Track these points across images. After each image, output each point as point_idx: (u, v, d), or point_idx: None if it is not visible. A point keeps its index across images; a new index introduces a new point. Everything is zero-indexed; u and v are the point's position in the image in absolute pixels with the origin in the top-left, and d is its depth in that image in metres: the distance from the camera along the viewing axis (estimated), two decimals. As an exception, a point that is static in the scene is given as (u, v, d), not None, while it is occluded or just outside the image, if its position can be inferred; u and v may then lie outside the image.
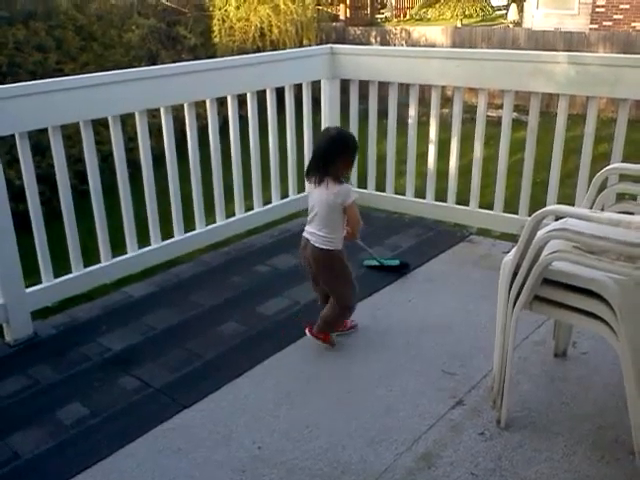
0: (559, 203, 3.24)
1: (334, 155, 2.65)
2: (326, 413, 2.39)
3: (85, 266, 3.24)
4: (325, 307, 2.81)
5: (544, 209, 2.15)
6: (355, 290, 2.80)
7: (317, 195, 2.67)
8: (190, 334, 2.96)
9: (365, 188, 4.32)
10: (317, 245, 2.69)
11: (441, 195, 4.01)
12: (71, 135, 4.24)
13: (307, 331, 2.82)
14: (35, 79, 3.27)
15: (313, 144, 4.23)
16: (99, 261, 3.30)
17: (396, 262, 3.53)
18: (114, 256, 3.35)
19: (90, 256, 3.30)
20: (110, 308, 3.24)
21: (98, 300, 3.33)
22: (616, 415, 2.29)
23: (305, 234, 2.75)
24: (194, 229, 3.72)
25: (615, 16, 16.73)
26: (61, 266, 3.19)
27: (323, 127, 4.34)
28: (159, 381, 2.60)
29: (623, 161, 3.17)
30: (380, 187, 4.26)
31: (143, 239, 3.48)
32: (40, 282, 3.08)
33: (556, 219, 2.38)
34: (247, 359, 2.74)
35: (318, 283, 2.83)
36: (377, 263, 3.51)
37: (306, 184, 2.78)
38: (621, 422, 2.20)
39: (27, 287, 2.98)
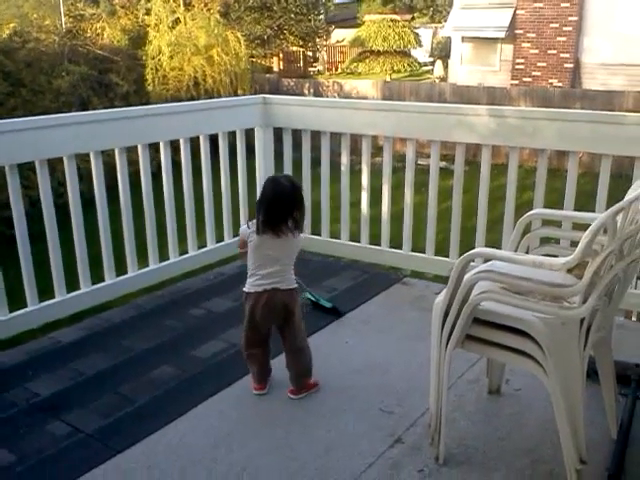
0: (486, 247, 3.38)
1: (295, 207, 2.66)
2: (265, 455, 2.37)
3: (11, 311, 3.13)
4: (290, 366, 2.76)
5: (470, 252, 2.23)
6: None
7: (283, 245, 2.64)
8: (122, 379, 2.88)
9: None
10: (287, 288, 2.67)
11: (375, 239, 4.10)
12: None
13: (292, 395, 2.74)
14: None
15: (249, 190, 4.28)
16: (25, 305, 3.20)
17: (329, 305, 3.56)
18: (41, 301, 3.25)
19: (18, 301, 3.19)
20: (37, 353, 3.12)
21: (24, 345, 3.21)
22: (550, 449, 2.36)
23: (266, 286, 2.65)
24: (126, 273, 3.67)
25: (534, 73, 17.84)
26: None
27: (258, 174, 4.41)
28: (90, 426, 2.51)
29: (546, 207, 3.35)
30: (316, 231, 4.33)
31: (73, 283, 3.39)
32: (-37, 327, 2.96)
33: (485, 261, 2.47)
34: (182, 403, 2.68)
35: (264, 343, 2.77)
36: (313, 299, 3.56)
37: (255, 237, 2.65)
38: (555, 456, 2.27)
39: (-51, 333, 2.86)
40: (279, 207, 2.65)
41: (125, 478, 2.24)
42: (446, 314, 2.22)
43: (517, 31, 17.85)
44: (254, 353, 2.76)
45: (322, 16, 26.43)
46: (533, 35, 17.66)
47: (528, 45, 17.79)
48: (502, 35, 17.93)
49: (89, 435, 2.47)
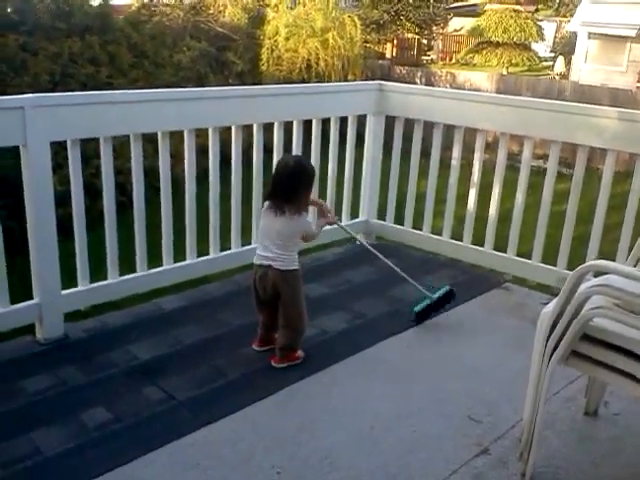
0: (599, 258, 3.19)
1: (297, 188, 2.74)
2: (348, 446, 2.36)
3: (120, 275, 3.28)
4: (278, 336, 2.86)
5: (589, 263, 2.13)
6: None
7: (279, 224, 2.72)
8: (217, 351, 2.96)
9: (402, 225, 4.32)
10: (283, 268, 2.74)
11: (478, 239, 3.98)
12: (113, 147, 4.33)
13: (273, 363, 2.84)
14: (85, 90, 3.36)
15: (354, 177, 4.26)
16: (134, 271, 3.34)
17: (442, 291, 3.36)
18: (149, 268, 3.38)
19: (124, 265, 3.33)
20: (140, 317, 3.26)
21: (129, 309, 3.36)
22: (647, 481, 2.22)
23: (263, 261, 2.76)
24: (229, 248, 3.75)
25: (664, 77, 16.73)
26: (96, 272, 3.23)
27: (365, 162, 4.38)
28: (183, 395, 2.60)
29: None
30: (417, 225, 4.25)
31: (178, 254, 3.51)
32: (76, 286, 3.12)
33: (595, 275, 2.34)
34: (271, 383, 2.72)
35: (269, 308, 2.86)
36: (429, 302, 3.33)
37: (263, 210, 2.82)
38: (652, 489, 2.14)
39: (63, 289, 3.02)
40: (278, 185, 2.74)
41: (212, 450, 2.29)
42: (553, 326, 2.12)
43: (650, 30, 16.78)
44: (260, 314, 2.92)
45: (442, 3, 25.91)
46: (667, 35, 16.55)
47: (661, 46, 16.69)
48: (633, 34, 16.92)
49: (181, 403, 2.55)
